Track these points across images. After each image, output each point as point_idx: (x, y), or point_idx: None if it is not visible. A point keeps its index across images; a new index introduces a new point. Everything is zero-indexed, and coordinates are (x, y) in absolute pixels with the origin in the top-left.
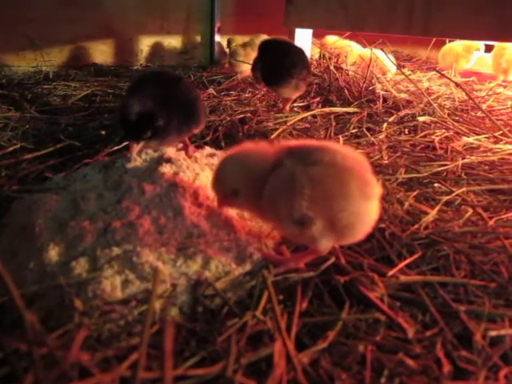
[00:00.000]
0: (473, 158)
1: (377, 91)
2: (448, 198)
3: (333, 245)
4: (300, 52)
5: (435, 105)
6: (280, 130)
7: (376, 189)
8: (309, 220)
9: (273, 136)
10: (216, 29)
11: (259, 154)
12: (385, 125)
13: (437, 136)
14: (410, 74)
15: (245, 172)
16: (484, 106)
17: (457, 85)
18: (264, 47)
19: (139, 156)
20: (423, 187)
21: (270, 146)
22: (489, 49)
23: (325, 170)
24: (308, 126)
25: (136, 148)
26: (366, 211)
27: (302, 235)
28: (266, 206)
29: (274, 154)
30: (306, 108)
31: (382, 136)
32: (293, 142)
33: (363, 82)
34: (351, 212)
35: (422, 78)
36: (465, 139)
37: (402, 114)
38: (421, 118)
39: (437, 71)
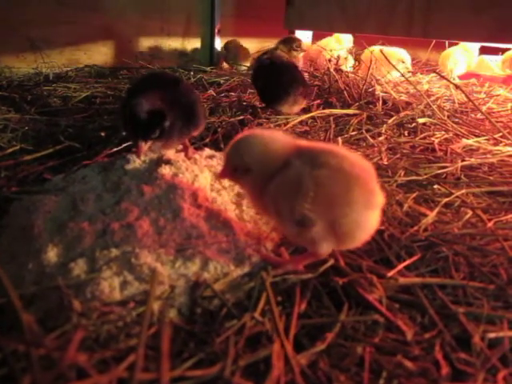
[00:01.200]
0: (472, 159)
1: (376, 93)
2: (447, 199)
3: (332, 249)
4: (293, 69)
5: (435, 107)
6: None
7: (379, 199)
8: (309, 221)
9: None
10: (216, 31)
11: (280, 144)
12: (384, 126)
13: (436, 138)
14: (409, 76)
15: (264, 153)
16: (484, 108)
17: (456, 87)
18: (258, 70)
19: (138, 158)
20: (423, 189)
21: (289, 141)
22: (486, 51)
23: (331, 174)
24: (308, 128)
25: (145, 147)
26: (367, 220)
27: (301, 236)
28: (270, 202)
29: (284, 152)
30: (306, 110)
31: (381, 138)
32: (304, 142)
33: (363, 84)
34: (352, 219)
35: (421, 79)
36: (464, 141)
37: (401, 115)
38: (420, 120)
39: (436, 73)
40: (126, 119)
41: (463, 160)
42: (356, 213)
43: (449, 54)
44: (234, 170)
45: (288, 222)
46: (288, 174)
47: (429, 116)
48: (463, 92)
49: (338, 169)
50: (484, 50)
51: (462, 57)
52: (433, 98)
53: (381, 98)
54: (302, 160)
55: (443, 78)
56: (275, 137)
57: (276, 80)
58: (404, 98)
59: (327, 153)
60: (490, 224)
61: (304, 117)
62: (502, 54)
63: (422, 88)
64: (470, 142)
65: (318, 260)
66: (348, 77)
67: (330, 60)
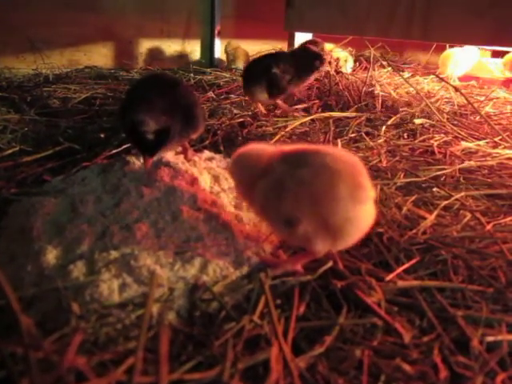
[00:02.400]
0: (472, 162)
1: (375, 93)
2: (446, 202)
3: (328, 249)
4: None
5: (434, 109)
6: (279, 136)
7: (369, 192)
8: (296, 220)
9: (272, 141)
10: (216, 32)
11: (257, 156)
12: (383, 129)
13: (436, 140)
14: (408, 78)
15: (240, 169)
16: (483, 111)
17: (456, 89)
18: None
19: (138, 160)
20: (422, 191)
21: (271, 149)
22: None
23: (313, 172)
24: (307, 129)
25: (151, 162)
26: (358, 215)
27: (294, 236)
28: (259, 207)
29: (268, 157)
30: (306, 111)
31: (380, 140)
32: (287, 146)
33: (363, 86)
34: (341, 215)
35: (421, 82)
36: (464, 144)
37: (399, 116)
38: (418, 121)
39: (436, 76)
40: (130, 135)
41: (462, 163)
42: (344, 208)
43: (449, 56)
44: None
45: (277, 223)
46: (271, 176)
47: (428, 118)
48: (462, 94)
49: (321, 166)
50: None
51: (463, 58)
52: (432, 100)
53: (380, 100)
54: (284, 162)
55: (442, 80)
56: (259, 150)
57: (245, 72)
58: (404, 100)
59: (310, 153)
60: (488, 227)
61: (303, 120)
62: (502, 57)
63: (421, 89)
64: (470, 145)
65: (317, 261)
66: (348, 79)
67: (330, 62)
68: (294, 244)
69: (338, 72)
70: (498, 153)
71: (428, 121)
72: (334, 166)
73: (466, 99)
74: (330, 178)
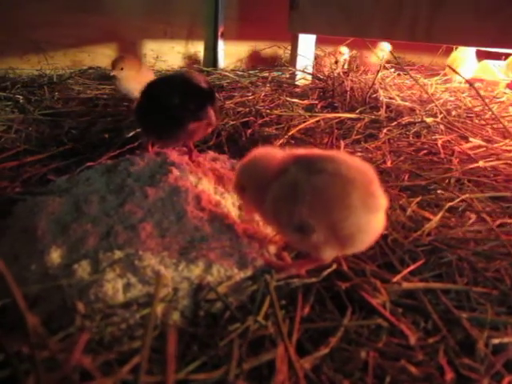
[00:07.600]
0: (480, 163)
1: (380, 98)
2: (451, 204)
3: (336, 255)
4: None
5: (440, 109)
6: (282, 140)
7: (381, 201)
8: (309, 227)
9: (277, 142)
10: (219, 33)
11: (268, 160)
12: (388, 130)
13: (440, 141)
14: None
15: (252, 174)
16: (494, 109)
17: (470, 84)
18: None
19: (142, 160)
20: (426, 193)
21: (281, 153)
22: (489, 56)
23: (327, 179)
24: (311, 131)
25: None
26: (369, 223)
27: (303, 243)
28: (269, 211)
29: (281, 161)
30: (309, 110)
31: (385, 141)
32: (301, 151)
33: (369, 88)
34: (352, 223)
35: (426, 83)
36: (472, 140)
37: (405, 119)
38: (428, 119)
39: (450, 67)
40: (181, 96)
41: (468, 163)
42: (355, 217)
43: (458, 57)
44: (238, 190)
45: (288, 228)
46: (284, 181)
47: (434, 119)
48: (475, 90)
49: (335, 174)
50: (487, 55)
51: (471, 60)
52: (438, 103)
53: (384, 103)
54: (298, 167)
55: (457, 73)
56: (268, 153)
57: None
58: (408, 101)
59: (324, 159)
60: (494, 227)
61: (308, 122)
62: (505, 59)
63: (427, 90)
64: (476, 141)
65: (322, 265)
66: (352, 80)
67: (336, 62)
68: (302, 250)
69: (343, 73)
70: (503, 153)
71: (436, 119)
72: (347, 174)
73: (479, 94)
74: (344, 186)
